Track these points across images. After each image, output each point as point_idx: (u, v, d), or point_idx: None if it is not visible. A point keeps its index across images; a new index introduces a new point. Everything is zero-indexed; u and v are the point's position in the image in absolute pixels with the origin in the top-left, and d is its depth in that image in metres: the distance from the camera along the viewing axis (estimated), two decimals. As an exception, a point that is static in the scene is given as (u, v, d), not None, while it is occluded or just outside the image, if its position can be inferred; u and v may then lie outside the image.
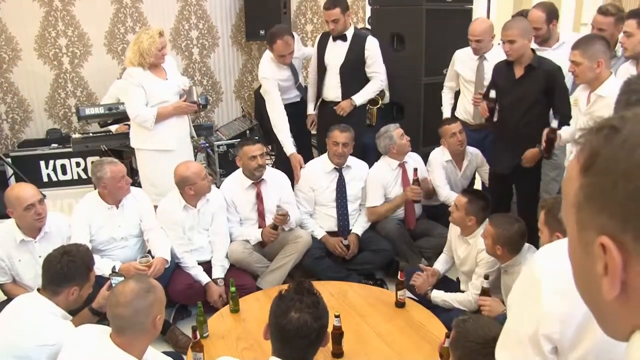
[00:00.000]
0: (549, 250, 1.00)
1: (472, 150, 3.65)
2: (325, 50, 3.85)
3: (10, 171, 4.46)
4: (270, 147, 4.95)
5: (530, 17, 3.46)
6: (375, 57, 3.81)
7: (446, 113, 3.87)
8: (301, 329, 1.45)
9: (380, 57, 3.82)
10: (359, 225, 3.51)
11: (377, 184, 3.49)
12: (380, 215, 3.49)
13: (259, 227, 3.35)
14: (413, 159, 3.66)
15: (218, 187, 3.44)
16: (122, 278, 2.40)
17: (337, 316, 2.26)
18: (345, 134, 3.39)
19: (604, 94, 2.57)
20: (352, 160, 3.56)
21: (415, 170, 3.43)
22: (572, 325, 0.91)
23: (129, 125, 3.74)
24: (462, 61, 3.75)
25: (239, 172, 3.40)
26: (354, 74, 3.82)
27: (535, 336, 0.93)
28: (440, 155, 3.61)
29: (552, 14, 3.39)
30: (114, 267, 2.72)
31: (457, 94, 3.93)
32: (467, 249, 2.86)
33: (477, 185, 3.93)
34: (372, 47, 3.79)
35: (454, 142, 3.48)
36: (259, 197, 3.34)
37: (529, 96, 3.03)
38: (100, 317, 2.41)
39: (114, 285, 2.35)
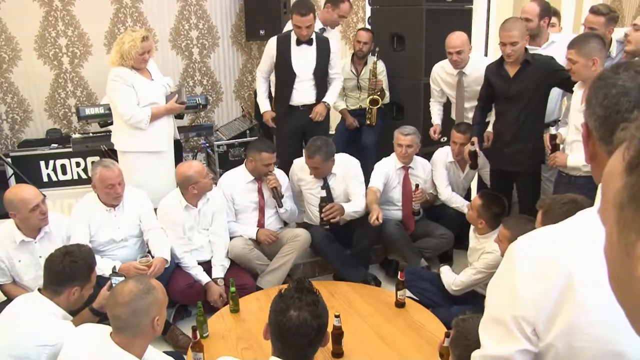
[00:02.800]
0: (530, 235, 0.99)
1: None
2: (291, 56, 3.71)
3: (10, 171, 4.45)
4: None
5: (524, 8, 3.48)
6: (337, 59, 3.86)
7: (435, 121, 3.89)
8: (300, 327, 1.45)
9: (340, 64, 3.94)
10: (348, 206, 3.32)
11: (380, 170, 3.53)
12: (369, 198, 3.38)
13: (258, 222, 3.38)
14: (422, 166, 3.67)
15: (218, 187, 3.44)
16: (123, 278, 2.39)
17: (337, 316, 2.27)
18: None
19: None
20: (338, 158, 3.44)
21: (417, 186, 3.50)
22: (544, 309, 0.92)
23: None
24: (443, 79, 3.78)
25: (241, 168, 3.42)
26: (324, 77, 3.81)
27: (515, 318, 0.94)
28: (444, 155, 3.63)
29: (546, 11, 3.43)
30: (114, 267, 2.71)
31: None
32: (476, 243, 2.96)
33: (476, 185, 3.93)
34: (335, 49, 3.83)
35: (453, 149, 3.59)
36: (260, 192, 3.37)
37: (526, 91, 3.07)
38: (101, 317, 2.40)
39: (114, 285, 2.35)
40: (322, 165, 3.31)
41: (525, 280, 0.93)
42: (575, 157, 2.76)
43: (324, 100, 3.80)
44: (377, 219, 3.15)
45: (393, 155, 3.60)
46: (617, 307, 0.60)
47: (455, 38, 3.52)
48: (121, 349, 1.67)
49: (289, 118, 3.82)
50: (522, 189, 3.35)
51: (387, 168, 3.56)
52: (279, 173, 3.44)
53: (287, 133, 3.87)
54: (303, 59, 3.72)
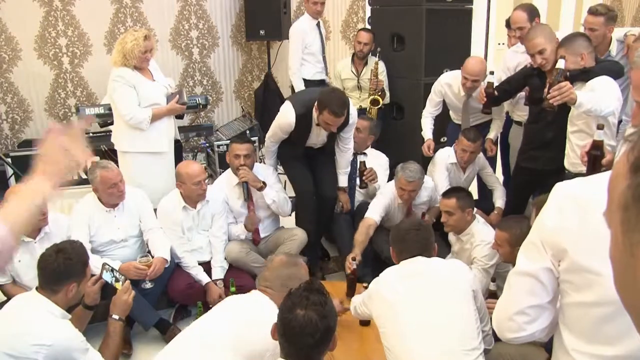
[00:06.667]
0: (571, 180, 1.17)
1: None
2: (308, 136, 3.32)
3: (10, 171, 4.45)
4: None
5: (513, 18, 3.53)
6: (354, 125, 3.38)
7: (427, 135, 3.73)
8: (306, 327, 1.44)
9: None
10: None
11: (382, 200, 3.31)
12: (358, 234, 3.17)
13: None
14: (424, 188, 3.42)
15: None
16: (114, 272, 2.43)
17: (354, 259, 2.73)
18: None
19: (591, 85, 2.68)
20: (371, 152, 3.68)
21: (423, 214, 3.46)
22: (559, 241, 1.10)
23: None
24: (452, 92, 3.68)
25: (229, 170, 3.42)
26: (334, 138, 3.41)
27: (542, 241, 1.14)
28: (445, 156, 3.60)
29: (533, 13, 3.47)
30: (104, 264, 2.59)
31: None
32: (461, 243, 2.98)
33: (474, 187, 3.91)
34: (354, 114, 3.32)
35: (462, 156, 3.50)
36: (248, 194, 3.34)
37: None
38: (95, 311, 2.41)
39: (107, 280, 2.38)
40: (364, 128, 3.61)
41: (551, 213, 1.12)
42: (587, 94, 2.55)
43: (340, 186, 3.50)
44: (353, 261, 2.88)
45: (392, 185, 3.36)
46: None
47: (474, 65, 3.41)
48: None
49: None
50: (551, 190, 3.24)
51: (388, 201, 3.32)
52: (260, 168, 3.41)
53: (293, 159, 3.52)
54: (319, 136, 3.35)
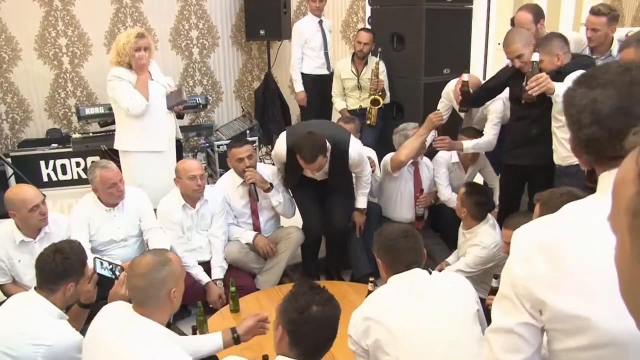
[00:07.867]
0: (529, 224, 1.09)
1: None
2: (302, 170, 3.17)
3: (10, 171, 4.45)
4: (270, 146, 4.97)
5: (517, 19, 3.50)
6: (360, 163, 3.21)
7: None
8: (327, 320, 1.53)
9: (365, 159, 3.28)
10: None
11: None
12: (401, 159, 3.36)
13: (253, 224, 3.37)
14: (426, 166, 3.62)
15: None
16: (113, 265, 2.43)
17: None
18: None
19: (566, 82, 2.67)
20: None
21: (422, 190, 3.52)
22: (534, 292, 1.01)
23: None
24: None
25: (231, 171, 3.41)
26: (340, 175, 3.27)
27: (516, 294, 1.05)
28: (447, 155, 3.60)
29: (539, 15, 3.46)
30: (95, 258, 2.52)
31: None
32: (464, 239, 3.01)
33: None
34: (354, 154, 3.13)
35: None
36: (250, 195, 3.33)
37: (543, 99, 2.92)
38: (90, 309, 2.41)
39: (104, 274, 2.38)
40: (349, 130, 3.49)
41: (519, 263, 1.04)
42: (564, 85, 2.60)
43: (357, 206, 3.39)
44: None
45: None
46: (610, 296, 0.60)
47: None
48: (144, 317, 1.70)
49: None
50: (540, 185, 3.24)
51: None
52: (262, 168, 3.39)
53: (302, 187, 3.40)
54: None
